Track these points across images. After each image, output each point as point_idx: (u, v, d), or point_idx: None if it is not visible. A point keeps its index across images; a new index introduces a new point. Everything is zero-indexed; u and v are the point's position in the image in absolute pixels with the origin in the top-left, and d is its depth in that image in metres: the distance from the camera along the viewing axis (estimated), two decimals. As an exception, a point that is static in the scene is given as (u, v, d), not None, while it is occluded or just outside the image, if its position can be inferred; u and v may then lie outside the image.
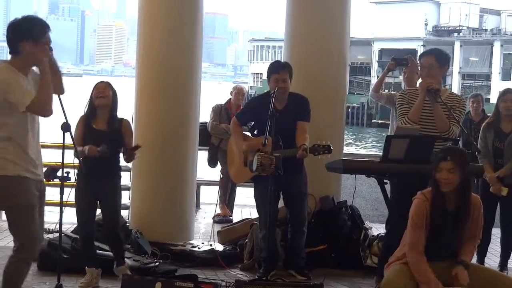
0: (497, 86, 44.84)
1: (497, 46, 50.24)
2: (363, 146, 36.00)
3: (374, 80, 46.81)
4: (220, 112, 8.60)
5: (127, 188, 7.42)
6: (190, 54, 6.93)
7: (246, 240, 6.44)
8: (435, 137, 5.17)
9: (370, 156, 10.42)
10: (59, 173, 4.63)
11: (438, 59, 5.34)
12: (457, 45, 51.57)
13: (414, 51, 35.71)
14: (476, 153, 5.83)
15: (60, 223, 4.68)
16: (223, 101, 8.77)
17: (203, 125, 8.30)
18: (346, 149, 22.86)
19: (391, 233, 5.28)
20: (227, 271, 6.17)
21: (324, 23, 6.84)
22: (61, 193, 4.62)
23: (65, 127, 4.48)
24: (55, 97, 4.48)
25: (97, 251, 5.76)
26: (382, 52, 53.15)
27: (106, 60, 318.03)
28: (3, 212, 5.16)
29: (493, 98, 37.43)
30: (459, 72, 51.31)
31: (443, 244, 4.37)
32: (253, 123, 6.30)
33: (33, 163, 4.27)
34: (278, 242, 6.16)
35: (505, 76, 48.77)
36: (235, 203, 8.99)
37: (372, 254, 6.30)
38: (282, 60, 6.42)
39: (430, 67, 5.30)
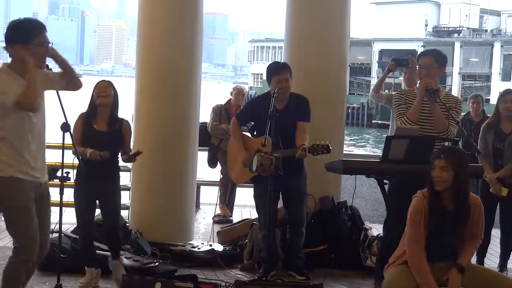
0: (497, 86, 44.83)
1: (497, 46, 50.24)
2: (360, 144, 36.01)
3: (374, 80, 46.82)
4: (220, 112, 8.60)
5: (127, 188, 7.43)
6: (190, 54, 6.93)
7: (246, 241, 6.44)
8: (435, 137, 5.17)
9: (369, 156, 10.41)
10: (58, 173, 4.63)
11: (436, 60, 5.34)
12: (457, 45, 51.58)
13: (414, 52, 35.50)
14: (476, 153, 5.83)
15: (60, 223, 4.68)
16: (223, 102, 8.77)
17: (203, 126, 8.30)
18: (350, 150, 22.97)
19: (389, 234, 5.27)
20: (226, 271, 6.17)
21: (324, 23, 6.84)
22: (61, 193, 4.62)
23: (65, 127, 4.48)
24: (55, 97, 4.49)
25: (97, 251, 5.76)
26: (382, 52, 53.15)
27: (106, 60, 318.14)
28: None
29: (493, 98, 37.47)
30: (459, 73, 51.31)
31: (443, 244, 4.37)
32: (253, 123, 6.31)
33: (29, 165, 4.25)
34: (277, 243, 6.17)
35: (505, 77, 48.77)
36: (235, 203, 8.99)
37: (372, 254, 6.30)
38: (281, 61, 6.43)
39: (429, 67, 5.30)
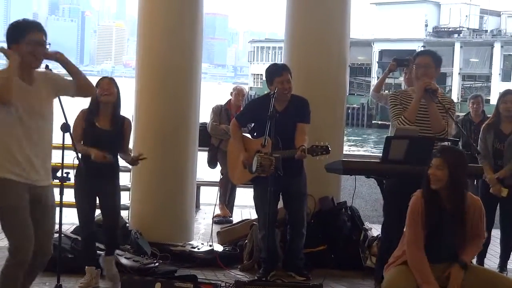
0: (497, 87, 44.85)
1: (497, 47, 50.25)
2: (360, 145, 36.01)
3: (374, 81, 46.86)
4: (220, 113, 8.60)
5: (127, 189, 7.43)
6: (190, 54, 6.93)
7: (246, 241, 6.44)
8: (435, 138, 5.16)
9: (369, 157, 10.41)
10: (58, 173, 4.62)
11: (434, 60, 5.32)
12: (457, 46, 51.60)
13: (414, 52, 35.65)
14: (476, 154, 5.83)
15: (60, 224, 4.67)
16: (223, 102, 8.77)
17: (203, 126, 8.31)
18: (352, 151, 22.94)
19: (388, 235, 5.26)
20: (226, 272, 6.17)
21: (324, 24, 6.84)
22: (61, 193, 4.61)
23: (65, 128, 4.48)
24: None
25: (97, 251, 5.76)
26: (382, 53, 53.17)
27: (106, 60, 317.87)
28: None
29: (493, 99, 37.47)
30: (459, 73, 51.33)
31: (443, 245, 4.36)
32: (253, 124, 6.30)
33: (21, 166, 4.22)
34: (277, 243, 6.16)
35: (505, 77, 48.79)
36: (235, 203, 8.99)
37: (371, 255, 6.30)
38: (281, 61, 6.43)
39: (427, 66, 5.27)
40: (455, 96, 49.12)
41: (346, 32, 7.04)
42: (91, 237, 5.63)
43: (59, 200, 4.62)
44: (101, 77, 5.70)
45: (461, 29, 55.87)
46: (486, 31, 56.04)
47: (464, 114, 8.08)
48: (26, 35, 4.24)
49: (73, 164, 4.86)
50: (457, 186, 4.30)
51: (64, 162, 4.66)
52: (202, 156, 8.39)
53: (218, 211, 8.35)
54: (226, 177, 8.18)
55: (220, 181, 8.76)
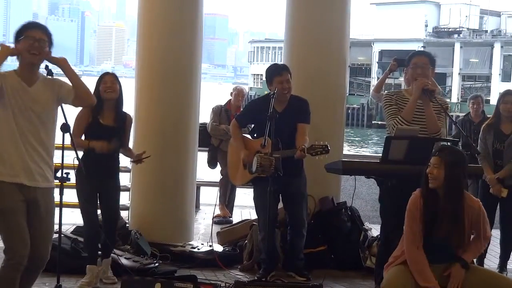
0: (497, 87, 44.87)
1: (497, 47, 50.23)
2: (360, 145, 36.00)
3: (374, 81, 46.87)
4: (220, 113, 8.60)
5: (127, 189, 7.43)
6: (190, 55, 6.93)
7: (246, 241, 6.44)
8: (435, 138, 5.15)
9: (369, 157, 10.41)
10: (58, 174, 4.62)
11: (430, 60, 5.32)
12: (457, 46, 51.60)
13: (414, 52, 35.62)
14: (476, 154, 5.82)
15: (60, 224, 4.67)
16: (223, 102, 8.77)
17: (203, 126, 8.31)
18: (352, 151, 22.91)
19: (387, 235, 5.25)
20: (226, 272, 6.17)
21: (324, 24, 6.84)
22: (61, 194, 4.61)
23: (65, 128, 4.47)
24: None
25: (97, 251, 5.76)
26: (382, 53, 53.16)
27: (106, 61, 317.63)
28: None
29: (493, 99, 37.48)
30: (459, 74, 51.31)
31: (441, 245, 4.36)
32: (253, 125, 6.30)
33: (13, 168, 4.21)
34: (277, 243, 6.16)
35: (505, 78, 48.78)
36: (235, 204, 8.99)
37: (371, 255, 6.30)
38: (281, 61, 6.43)
39: (425, 67, 5.27)
40: (455, 96, 49.17)
41: (346, 32, 7.04)
42: (95, 236, 5.62)
43: (59, 200, 4.62)
44: (104, 72, 5.72)
45: (461, 29, 55.85)
46: (486, 31, 56.03)
47: (464, 114, 8.08)
48: (24, 32, 4.29)
49: (73, 164, 4.86)
50: (454, 185, 4.30)
51: (64, 162, 4.66)
52: (202, 156, 8.39)
53: (218, 211, 8.35)
54: (226, 177, 8.17)
55: (220, 181, 8.76)
